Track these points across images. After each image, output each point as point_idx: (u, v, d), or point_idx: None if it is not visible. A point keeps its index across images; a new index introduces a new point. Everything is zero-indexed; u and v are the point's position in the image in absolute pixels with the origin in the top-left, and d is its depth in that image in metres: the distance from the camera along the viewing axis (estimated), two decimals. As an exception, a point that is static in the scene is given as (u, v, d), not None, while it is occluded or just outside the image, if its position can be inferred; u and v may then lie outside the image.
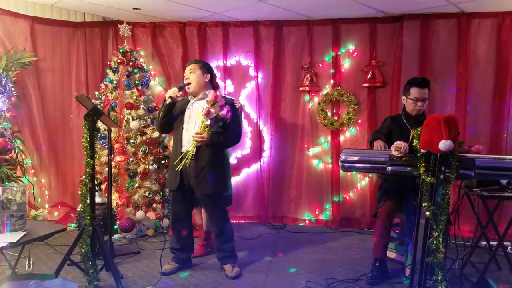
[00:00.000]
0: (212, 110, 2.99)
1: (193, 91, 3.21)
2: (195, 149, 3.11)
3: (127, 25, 4.55)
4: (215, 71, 4.89)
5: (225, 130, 3.14)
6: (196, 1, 4.13)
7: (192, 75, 3.21)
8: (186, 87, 3.22)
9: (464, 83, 4.33)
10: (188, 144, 3.14)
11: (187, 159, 3.07)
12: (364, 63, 4.61)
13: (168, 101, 3.12)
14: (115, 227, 4.09)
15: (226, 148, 3.33)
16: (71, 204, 4.73)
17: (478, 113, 4.37)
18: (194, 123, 3.16)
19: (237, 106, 3.42)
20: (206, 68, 3.27)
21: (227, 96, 3.56)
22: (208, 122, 3.02)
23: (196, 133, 3.05)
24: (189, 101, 3.26)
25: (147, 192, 4.30)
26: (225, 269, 3.33)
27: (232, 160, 4.92)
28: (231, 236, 3.39)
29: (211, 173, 3.15)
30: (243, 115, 4.89)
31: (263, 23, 4.77)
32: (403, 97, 3.32)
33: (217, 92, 3.12)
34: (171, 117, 3.20)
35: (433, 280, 2.33)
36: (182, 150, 3.17)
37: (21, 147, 4.33)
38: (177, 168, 3.11)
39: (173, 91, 3.13)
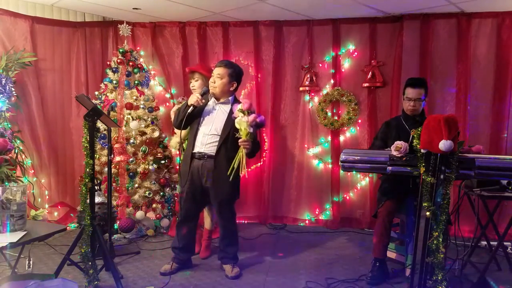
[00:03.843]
0: (251, 116, 3.00)
1: (215, 94, 3.21)
2: (216, 154, 3.12)
3: (127, 25, 4.55)
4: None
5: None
6: (196, 1, 4.12)
7: (218, 80, 3.16)
8: (210, 88, 3.20)
9: (464, 83, 4.33)
10: (201, 145, 3.15)
11: (241, 165, 3.04)
12: (364, 63, 4.61)
13: (191, 109, 3.09)
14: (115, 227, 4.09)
15: (253, 156, 3.32)
16: (71, 204, 4.72)
17: (478, 113, 4.36)
18: (212, 125, 3.16)
19: None
20: (235, 77, 3.20)
21: None
22: (251, 130, 3.03)
23: (244, 141, 3.02)
24: (209, 100, 3.24)
25: (147, 192, 4.30)
26: (225, 269, 3.33)
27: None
28: (236, 240, 3.40)
29: (228, 180, 3.13)
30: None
31: (263, 23, 4.77)
32: (403, 99, 3.34)
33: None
34: (191, 118, 3.16)
35: (433, 280, 2.33)
36: (194, 151, 3.17)
37: (21, 147, 4.33)
38: (231, 178, 3.07)
39: (196, 99, 3.09)
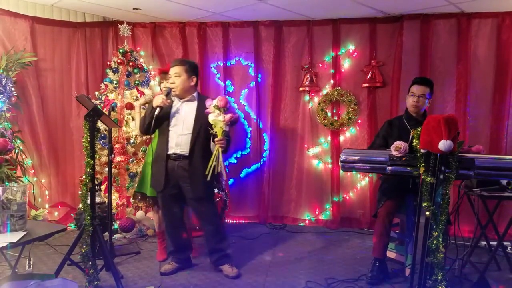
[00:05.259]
0: (227, 116, 2.99)
1: (178, 95, 3.19)
2: (189, 151, 3.11)
3: (127, 25, 4.55)
4: (214, 71, 4.91)
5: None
6: (196, 1, 4.13)
7: (177, 79, 3.14)
8: (172, 91, 3.18)
9: (464, 83, 4.33)
10: (176, 147, 3.15)
11: (217, 163, 3.01)
12: (364, 63, 4.61)
13: (158, 110, 3.06)
14: (115, 227, 4.10)
15: (227, 152, 3.30)
16: (71, 204, 4.73)
17: (478, 113, 4.36)
18: (182, 125, 3.16)
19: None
20: (192, 71, 3.19)
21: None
22: (227, 128, 3.03)
23: (220, 140, 3.01)
24: (173, 101, 3.23)
25: (147, 192, 4.29)
26: (224, 270, 3.31)
27: (232, 160, 4.93)
28: (225, 233, 3.38)
29: (204, 176, 3.11)
30: (242, 115, 4.90)
31: (263, 23, 4.77)
32: (407, 97, 3.34)
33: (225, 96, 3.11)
34: (157, 122, 3.14)
35: (433, 280, 2.34)
36: (168, 152, 3.16)
37: (21, 147, 4.33)
38: (206, 172, 3.01)
39: (162, 100, 3.06)
